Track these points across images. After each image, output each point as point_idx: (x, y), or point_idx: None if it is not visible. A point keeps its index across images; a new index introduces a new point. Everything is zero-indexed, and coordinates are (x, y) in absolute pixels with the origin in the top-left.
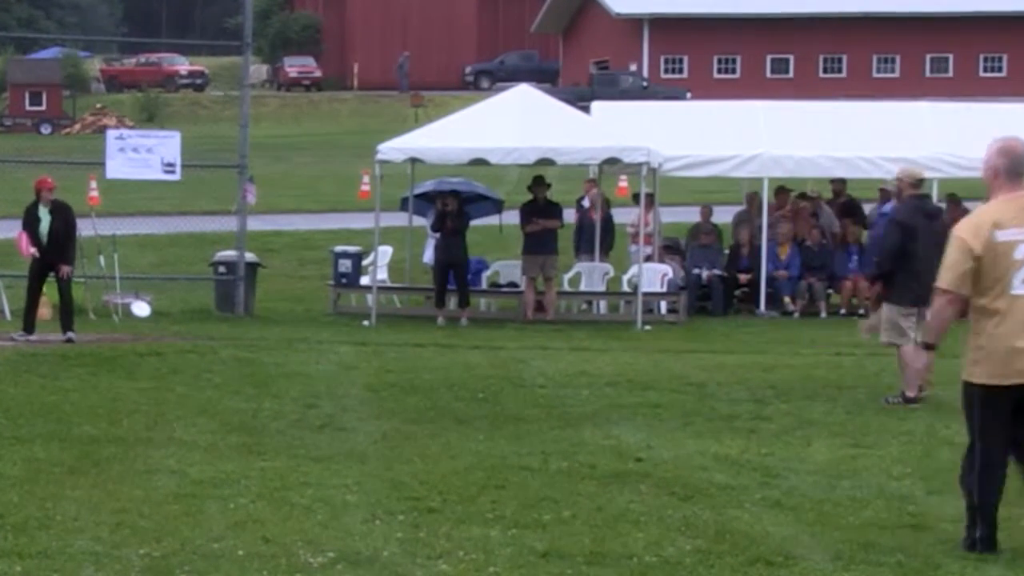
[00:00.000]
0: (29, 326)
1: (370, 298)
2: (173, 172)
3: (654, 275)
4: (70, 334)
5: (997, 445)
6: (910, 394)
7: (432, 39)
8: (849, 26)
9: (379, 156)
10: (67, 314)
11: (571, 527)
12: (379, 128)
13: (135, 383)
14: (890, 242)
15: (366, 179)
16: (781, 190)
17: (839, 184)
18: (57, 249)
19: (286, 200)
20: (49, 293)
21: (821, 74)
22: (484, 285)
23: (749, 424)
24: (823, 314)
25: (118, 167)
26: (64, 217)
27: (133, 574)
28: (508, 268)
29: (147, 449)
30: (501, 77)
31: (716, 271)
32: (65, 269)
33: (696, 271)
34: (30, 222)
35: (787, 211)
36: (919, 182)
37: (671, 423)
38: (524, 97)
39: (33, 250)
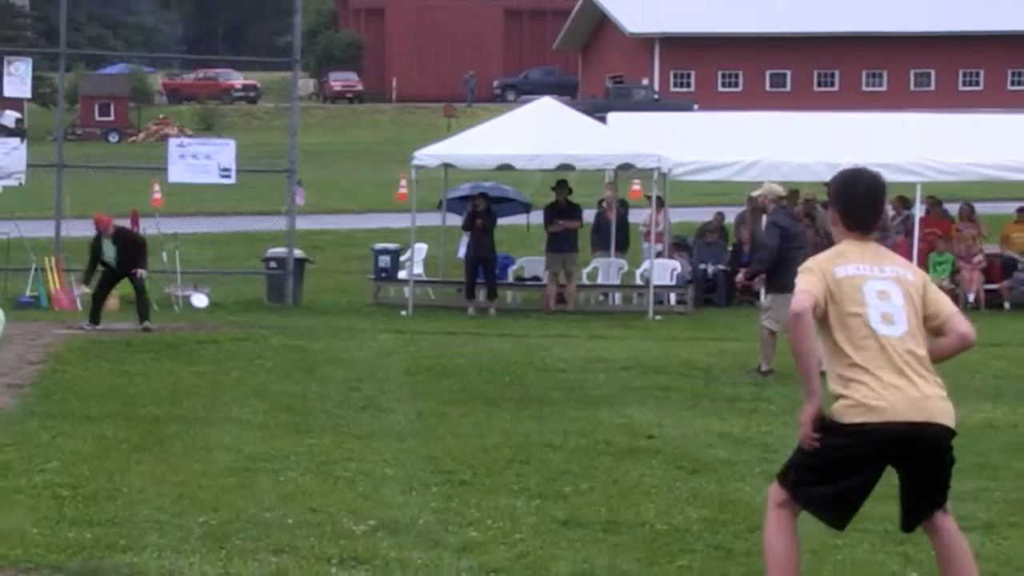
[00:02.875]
0: (95, 318)
1: (407, 290)
2: (229, 176)
3: (664, 270)
4: (147, 323)
5: None
6: (764, 368)
7: (463, 56)
8: (841, 44)
9: (415, 162)
10: (144, 306)
11: (589, 498)
12: (415, 137)
13: (194, 367)
14: (771, 242)
15: (403, 183)
16: (792, 193)
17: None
18: (127, 270)
19: (331, 202)
20: (119, 286)
21: (816, 88)
22: (510, 279)
23: (750, 405)
24: None
25: (179, 172)
26: (125, 242)
27: (192, 540)
28: (532, 264)
29: (205, 427)
30: (525, 90)
31: (720, 266)
32: (140, 272)
33: (702, 266)
34: (96, 253)
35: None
36: (781, 198)
37: (680, 404)
38: (546, 108)
39: (86, 289)
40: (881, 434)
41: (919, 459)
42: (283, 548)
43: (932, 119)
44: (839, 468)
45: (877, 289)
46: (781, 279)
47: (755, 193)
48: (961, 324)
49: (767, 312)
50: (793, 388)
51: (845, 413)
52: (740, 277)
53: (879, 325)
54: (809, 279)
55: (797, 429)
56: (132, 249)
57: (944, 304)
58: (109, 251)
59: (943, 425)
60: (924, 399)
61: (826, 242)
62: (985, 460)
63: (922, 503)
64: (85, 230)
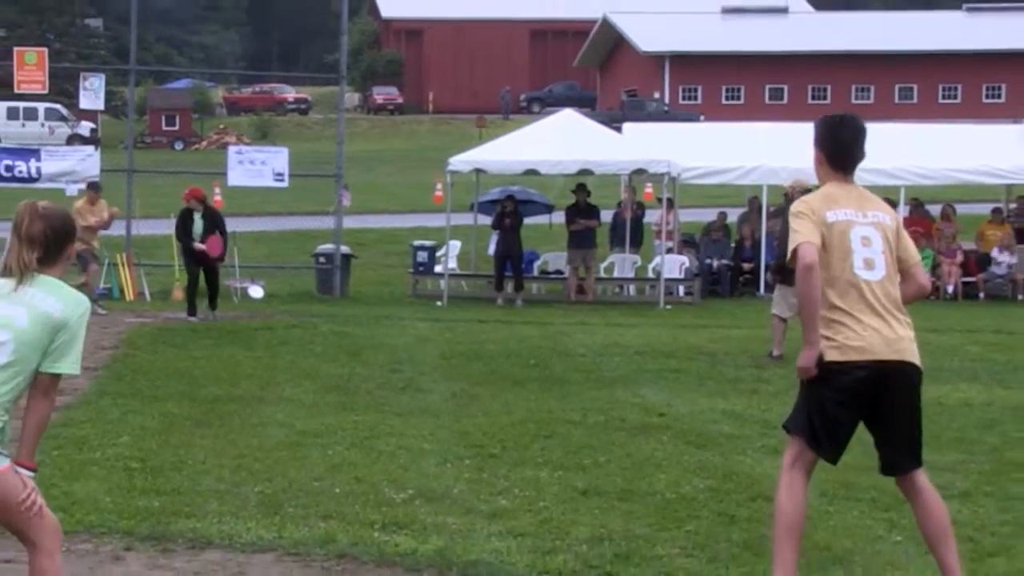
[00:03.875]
0: (193, 311)
1: (442, 283)
2: (282, 180)
3: (674, 264)
4: (216, 314)
5: None
6: (775, 353)
7: (493, 72)
8: (832, 62)
9: (450, 167)
10: (214, 293)
11: (606, 469)
12: (450, 145)
13: (251, 352)
14: (784, 238)
15: (439, 186)
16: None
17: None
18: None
19: (374, 203)
20: (181, 279)
21: (810, 101)
22: (535, 272)
23: (751, 386)
24: None
25: (237, 176)
26: (213, 218)
27: (249, 507)
28: (555, 258)
29: (261, 406)
30: (549, 103)
31: (724, 261)
32: (216, 245)
33: (708, 261)
34: (185, 225)
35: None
36: (806, 190)
37: (688, 385)
38: (568, 119)
39: (201, 246)
40: (861, 370)
41: (891, 395)
42: (331, 514)
43: (914, 129)
44: (830, 405)
45: (861, 235)
46: (784, 272)
47: (786, 185)
48: (922, 275)
49: (775, 301)
50: (790, 370)
51: (828, 353)
52: (770, 277)
53: (861, 270)
54: (807, 225)
55: (798, 374)
56: (217, 222)
57: (912, 252)
58: (199, 225)
59: (912, 363)
60: (898, 340)
61: None
62: (962, 435)
63: (897, 446)
64: (153, 228)
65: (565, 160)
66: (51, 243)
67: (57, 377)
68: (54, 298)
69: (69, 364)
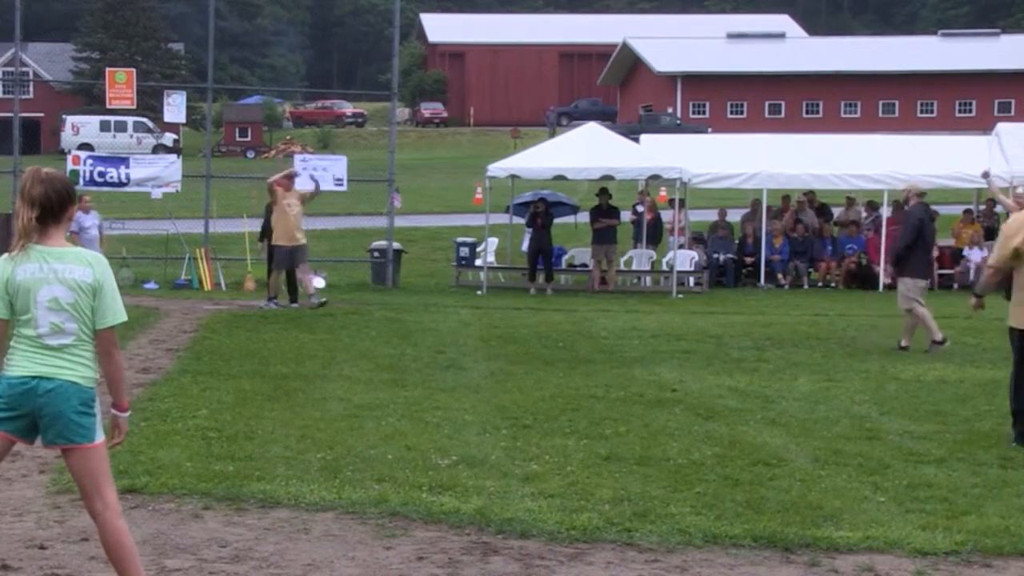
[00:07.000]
0: (273, 297)
1: (482, 275)
2: (341, 185)
3: (685, 258)
4: (296, 304)
5: None
6: (937, 338)
7: (526, 90)
8: (824, 81)
9: (488, 173)
10: (294, 289)
11: (625, 438)
12: (488, 154)
13: (314, 335)
14: (907, 234)
15: (479, 190)
16: (785, 199)
17: (810, 195)
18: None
19: (422, 205)
20: (252, 271)
21: (804, 115)
22: (563, 265)
23: (753, 365)
24: (805, 286)
25: (303, 181)
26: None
27: (312, 472)
28: (581, 253)
29: (322, 382)
30: (575, 117)
31: (729, 255)
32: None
33: (715, 255)
34: (267, 215)
35: (789, 212)
36: (922, 193)
37: (697, 364)
38: (592, 131)
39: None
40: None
41: None
42: (384, 478)
43: (896, 140)
44: None
45: None
46: (914, 267)
47: (901, 187)
48: None
49: (900, 297)
50: (786, 351)
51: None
52: (889, 270)
53: None
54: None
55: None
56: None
57: None
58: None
59: None
60: None
61: (811, 235)
62: (938, 408)
63: None
64: (229, 227)
65: (590, 167)
66: (54, 205)
67: (113, 329)
68: (79, 266)
69: (115, 315)
